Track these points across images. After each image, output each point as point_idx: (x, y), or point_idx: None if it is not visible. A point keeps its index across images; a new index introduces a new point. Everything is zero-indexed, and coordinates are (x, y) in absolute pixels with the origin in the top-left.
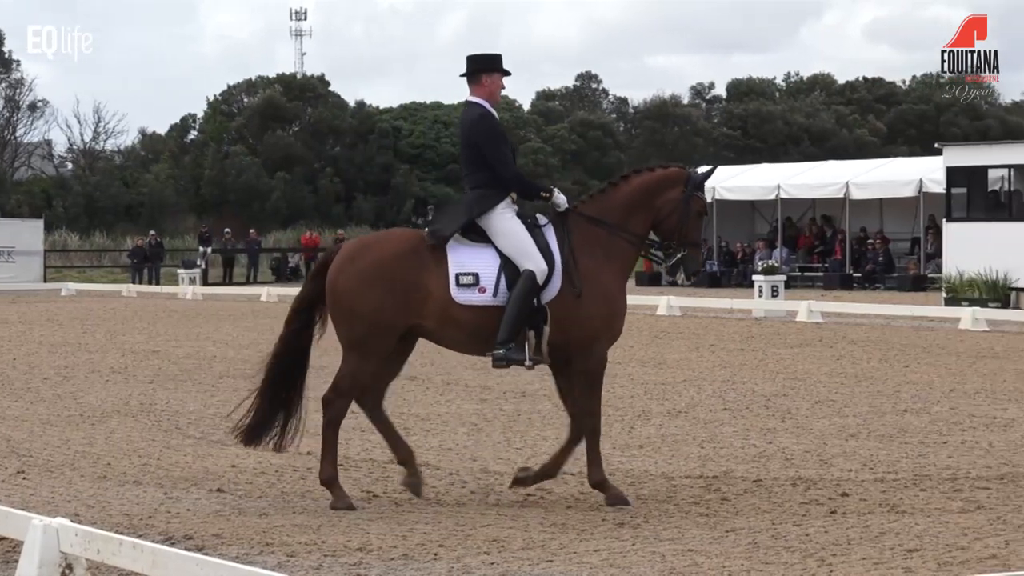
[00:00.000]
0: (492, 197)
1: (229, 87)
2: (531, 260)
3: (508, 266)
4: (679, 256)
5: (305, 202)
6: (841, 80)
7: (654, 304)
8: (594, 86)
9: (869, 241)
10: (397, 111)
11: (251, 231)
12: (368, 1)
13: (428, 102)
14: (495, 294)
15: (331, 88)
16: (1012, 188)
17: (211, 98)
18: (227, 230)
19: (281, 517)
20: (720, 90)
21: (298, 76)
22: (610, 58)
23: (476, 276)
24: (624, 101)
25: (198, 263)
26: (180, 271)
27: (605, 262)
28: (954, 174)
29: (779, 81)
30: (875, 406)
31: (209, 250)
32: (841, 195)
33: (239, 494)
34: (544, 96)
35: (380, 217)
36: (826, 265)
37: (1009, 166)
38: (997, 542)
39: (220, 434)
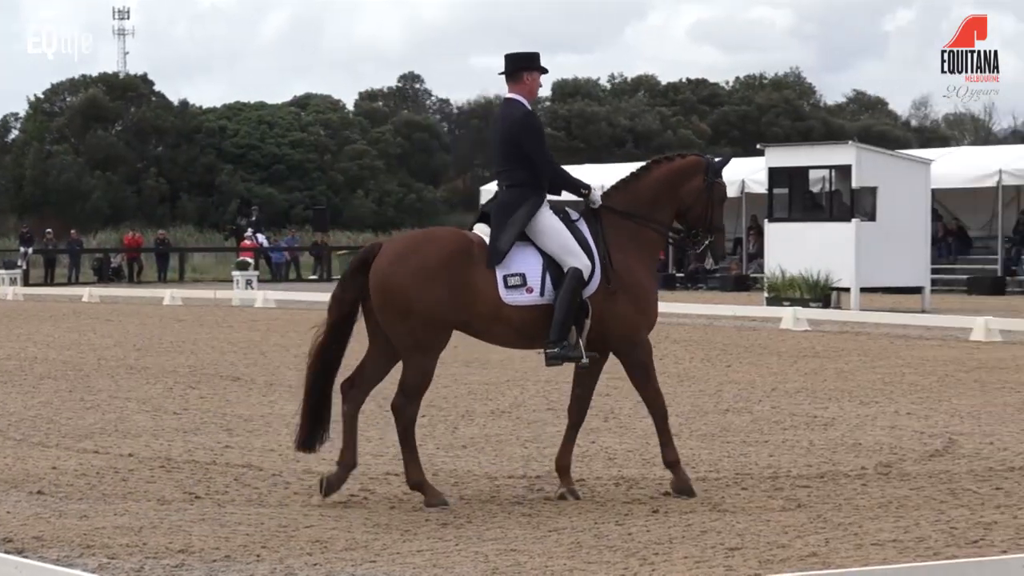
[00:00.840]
0: (534, 199)
1: (52, 86)
2: (575, 257)
3: (551, 264)
4: (707, 243)
5: (128, 202)
6: (665, 81)
7: None
8: (417, 87)
9: None
10: (221, 111)
11: (72, 231)
12: (191, 0)
13: (252, 102)
14: (542, 293)
15: (155, 88)
16: (833, 189)
17: (32, 97)
18: (48, 230)
19: (102, 519)
20: (545, 90)
21: (121, 75)
22: (433, 58)
23: (523, 276)
24: (447, 102)
25: (19, 264)
26: (0, 272)
27: (637, 255)
28: (776, 175)
29: (603, 82)
30: (697, 405)
31: (30, 250)
32: None
33: (60, 496)
34: (368, 97)
35: (204, 218)
36: None
37: (830, 167)
38: (817, 540)
39: (41, 435)
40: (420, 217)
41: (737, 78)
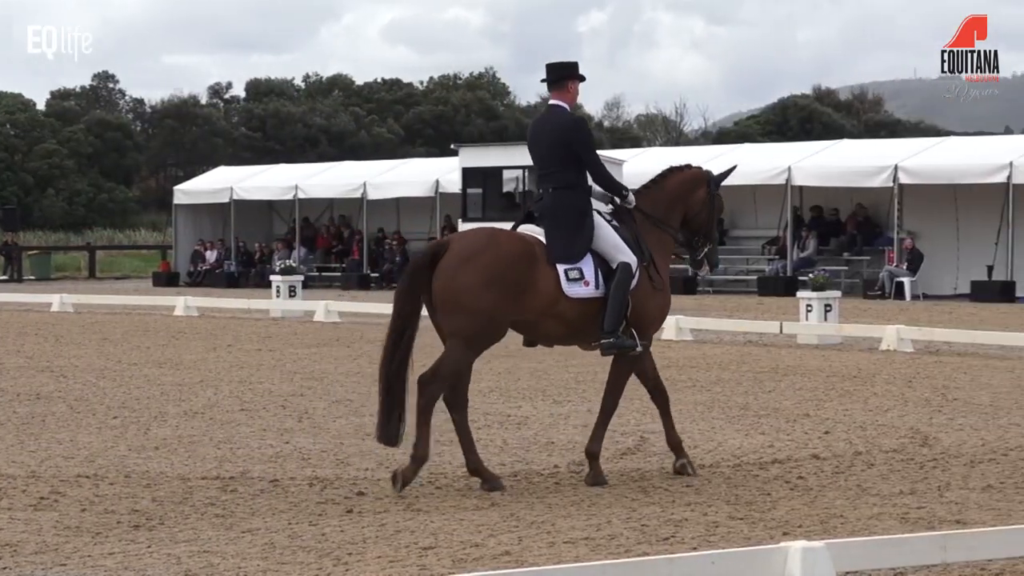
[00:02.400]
0: (587, 203)
1: None
2: (624, 254)
3: (600, 261)
4: (707, 250)
5: None
6: (360, 81)
7: (171, 305)
8: (111, 86)
9: (387, 241)
10: None
11: None
12: None
13: None
14: (596, 287)
15: None
16: (526, 188)
17: None
18: None
19: None
20: (239, 90)
21: None
22: (127, 57)
23: (581, 271)
24: (141, 101)
25: None
26: None
27: (661, 254)
28: (470, 175)
29: (298, 82)
30: None
31: None
32: (359, 195)
33: None
34: (59, 96)
35: None
36: (344, 265)
37: (523, 167)
38: (510, 538)
39: None
40: (112, 217)
41: (432, 78)
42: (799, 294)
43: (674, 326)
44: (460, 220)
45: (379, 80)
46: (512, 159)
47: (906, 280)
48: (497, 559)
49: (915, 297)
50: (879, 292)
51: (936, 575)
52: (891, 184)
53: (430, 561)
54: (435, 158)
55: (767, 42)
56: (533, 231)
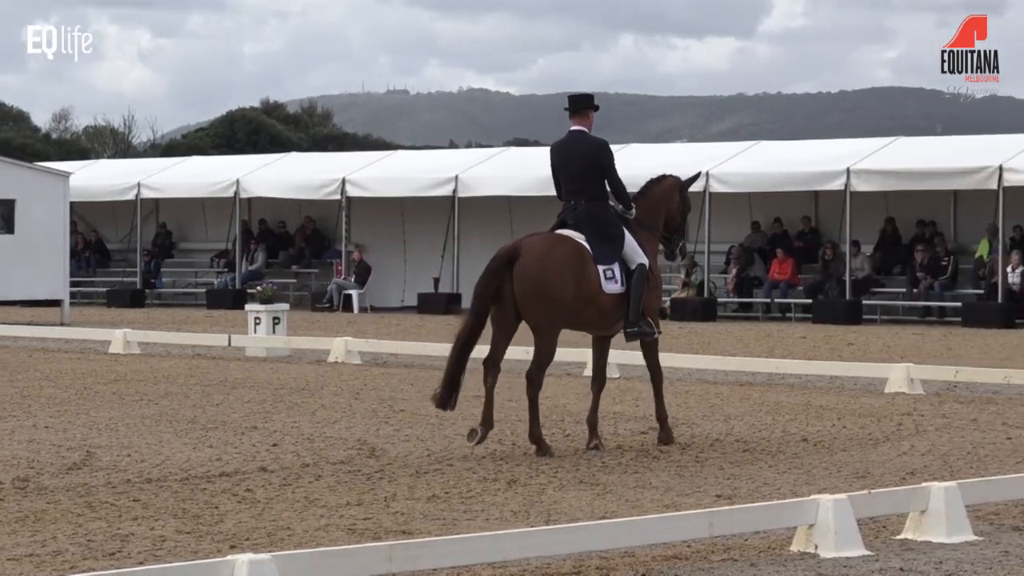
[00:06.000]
0: (610, 211)
1: None
2: (640, 257)
3: (621, 262)
4: (681, 243)
5: None
6: None
7: None
8: None
9: None
10: None
11: None
12: None
13: None
14: (622, 284)
15: None
16: None
17: None
18: None
19: None
20: None
21: None
22: None
23: (613, 271)
24: None
25: None
26: None
27: (652, 256)
28: None
29: None
30: None
31: None
32: None
33: None
34: None
35: None
36: None
37: None
38: None
39: None
40: None
41: None
42: (247, 307)
43: (122, 339)
44: None
45: None
46: None
47: (354, 293)
48: None
49: (363, 309)
50: (328, 305)
51: None
52: (339, 197)
53: None
54: None
55: (215, 55)
56: (572, 235)
